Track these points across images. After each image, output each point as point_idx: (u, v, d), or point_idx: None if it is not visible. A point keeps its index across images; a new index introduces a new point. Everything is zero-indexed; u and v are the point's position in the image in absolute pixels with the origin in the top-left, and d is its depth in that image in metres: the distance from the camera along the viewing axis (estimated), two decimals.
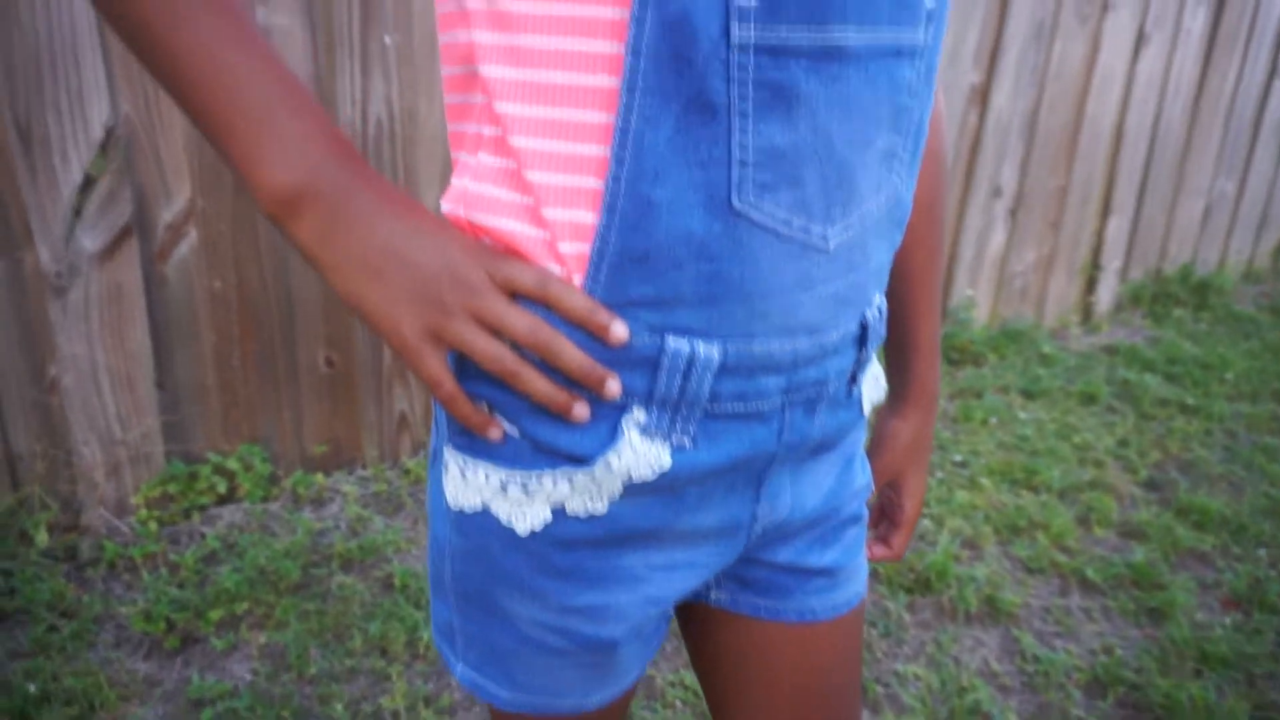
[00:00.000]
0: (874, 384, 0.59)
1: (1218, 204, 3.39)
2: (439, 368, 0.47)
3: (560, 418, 0.48)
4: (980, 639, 1.61)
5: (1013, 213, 2.72)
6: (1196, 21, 2.92)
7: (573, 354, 0.46)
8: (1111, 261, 3.07)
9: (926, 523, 1.90)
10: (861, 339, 0.54)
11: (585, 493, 0.49)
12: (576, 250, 0.46)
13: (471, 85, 0.47)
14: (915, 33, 0.47)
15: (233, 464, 1.74)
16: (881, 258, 0.53)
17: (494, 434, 0.49)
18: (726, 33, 0.41)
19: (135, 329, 1.59)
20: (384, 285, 0.45)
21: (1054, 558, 1.81)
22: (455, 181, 0.49)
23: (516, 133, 0.45)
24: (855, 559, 0.61)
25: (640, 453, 0.48)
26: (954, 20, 2.35)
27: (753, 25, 0.42)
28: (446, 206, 0.49)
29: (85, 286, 1.53)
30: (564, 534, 0.50)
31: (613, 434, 0.48)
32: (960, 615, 1.65)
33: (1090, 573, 1.77)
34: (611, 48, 0.43)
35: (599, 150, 0.44)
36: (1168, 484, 2.12)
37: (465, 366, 0.49)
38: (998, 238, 2.72)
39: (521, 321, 0.46)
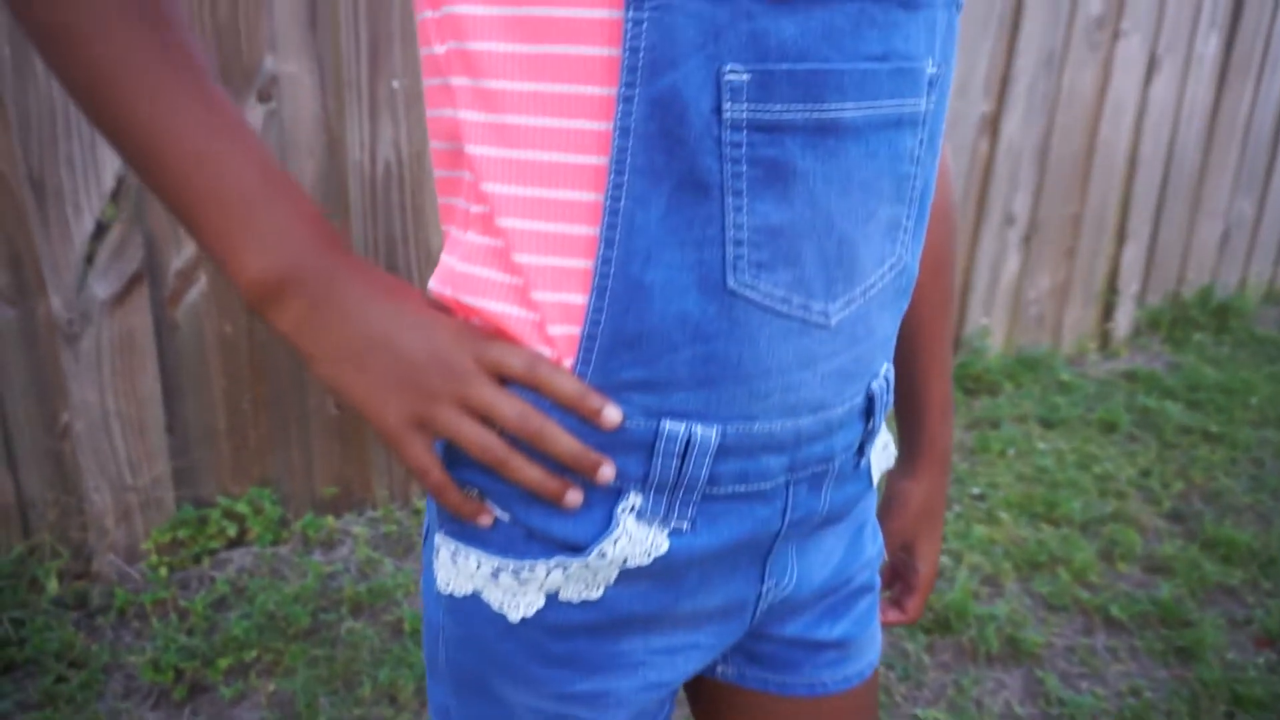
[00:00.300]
0: (882, 452, 0.57)
1: (1236, 226, 3.36)
2: (426, 457, 0.46)
3: (553, 504, 0.46)
4: (1002, 680, 1.57)
5: (1026, 240, 2.70)
6: (1209, 46, 2.90)
7: (564, 441, 0.44)
8: (1129, 286, 3.03)
9: (945, 559, 1.86)
10: (868, 410, 0.52)
11: (579, 580, 0.47)
12: (566, 333, 0.44)
13: (459, 162, 0.46)
14: (917, 101, 0.46)
15: (243, 507, 1.74)
16: (887, 328, 0.51)
17: (485, 521, 0.47)
18: (718, 110, 0.40)
19: (146, 375, 1.59)
20: (368, 373, 0.44)
21: (1077, 594, 1.77)
22: (444, 259, 0.48)
23: (504, 213, 0.44)
24: (868, 629, 0.59)
25: (636, 539, 0.47)
26: (963, 50, 2.35)
27: (745, 102, 0.40)
28: (435, 286, 0.48)
29: (97, 334, 1.53)
30: (558, 621, 0.48)
31: (608, 520, 0.47)
32: (981, 656, 1.61)
33: (1115, 610, 1.73)
34: (599, 125, 0.42)
35: (588, 230, 0.43)
36: (1192, 515, 2.07)
37: (454, 452, 0.47)
38: (1011, 265, 2.70)
39: (510, 408, 0.44)
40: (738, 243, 0.42)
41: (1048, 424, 2.47)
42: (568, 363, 0.45)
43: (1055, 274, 2.82)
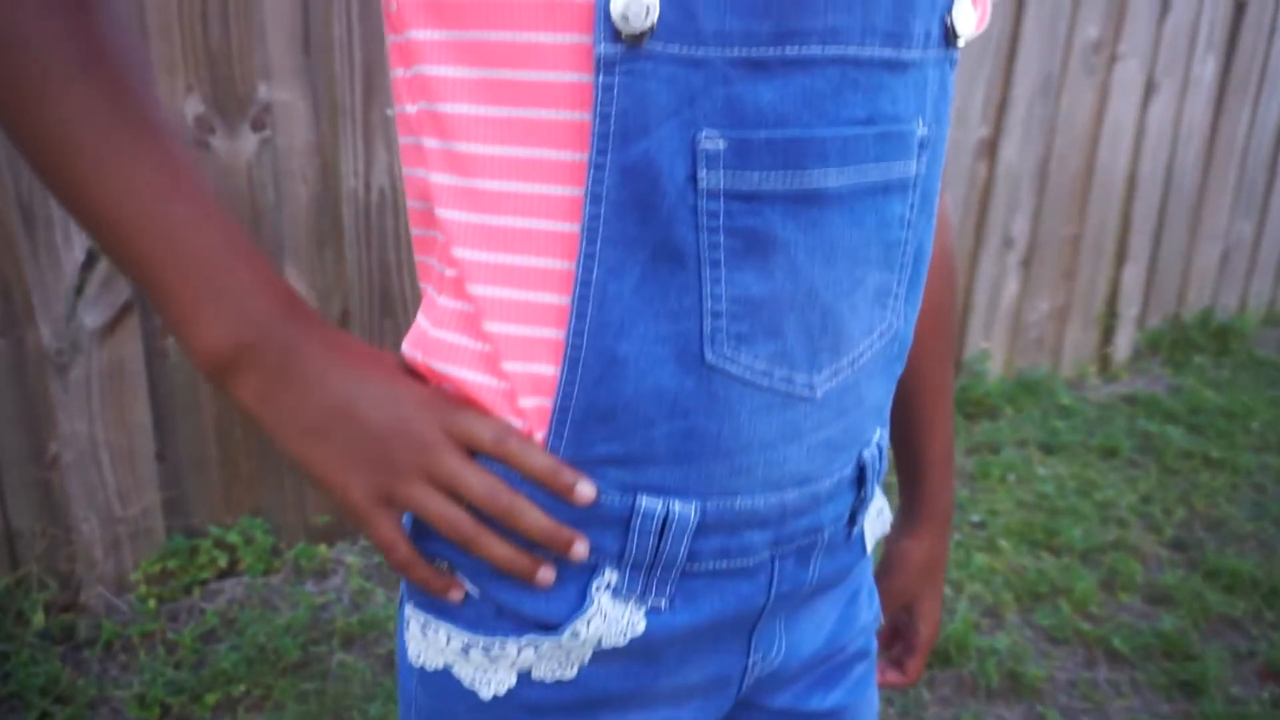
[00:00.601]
0: (877, 519, 0.55)
1: (1236, 247, 3.35)
2: (392, 533, 0.44)
3: (524, 582, 0.44)
4: (1003, 716, 1.54)
5: (1025, 263, 2.69)
6: (1206, 69, 2.90)
7: (534, 518, 0.42)
8: (1129, 309, 3.02)
9: (945, 589, 1.84)
10: (860, 479, 0.50)
11: (552, 659, 0.45)
12: (538, 405, 0.42)
13: (431, 223, 0.44)
14: (907, 165, 0.44)
15: (234, 537, 1.72)
16: (879, 396, 0.49)
17: (455, 596, 0.46)
18: (694, 178, 0.39)
19: (136, 404, 1.58)
20: (331, 446, 0.42)
21: (1078, 626, 1.75)
22: (418, 321, 0.46)
23: (473, 279, 0.42)
24: (864, 695, 0.57)
25: (612, 618, 0.45)
26: (961, 77, 2.34)
27: (722, 170, 0.39)
28: (407, 350, 0.46)
29: (86, 364, 1.52)
30: (531, 699, 0.46)
31: (581, 598, 0.45)
32: (982, 691, 1.59)
33: (1117, 642, 1.70)
34: (571, 191, 0.40)
35: (559, 299, 0.41)
36: (1194, 544, 2.05)
37: (423, 523, 0.46)
38: (1011, 288, 2.69)
39: (478, 483, 0.42)
40: (715, 314, 0.41)
41: (1048, 449, 2.45)
42: (539, 435, 0.43)
43: (1054, 297, 2.81)
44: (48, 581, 1.57)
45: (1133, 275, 2.98)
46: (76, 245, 1.47)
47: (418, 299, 1.79)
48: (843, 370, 0.45)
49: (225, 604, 1.67)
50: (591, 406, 0.41)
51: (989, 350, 2.70)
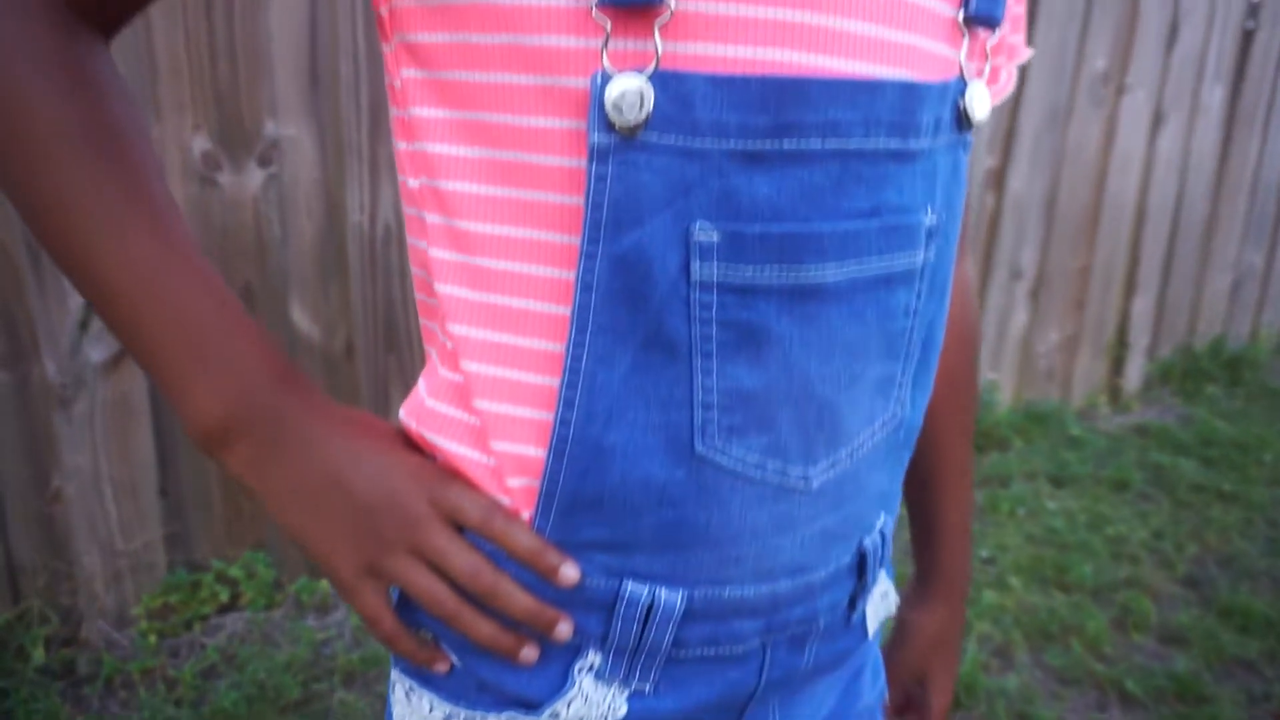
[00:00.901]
0: (881, 601, 0.53)
1: (1246, 277, 3.33)
2: (377, 605, 0.43)
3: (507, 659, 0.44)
4: None
5: (1034, 294, 2.68)
6: (1214, 99, 2.90)
7: (518, 599, 0.42)
8: (1139, 339, 3.00)
9: None
10: (861, 566, 0.49)
11: None
12: (524, 485, 0.42)
13: (431, 309, 0.44)
14: (913, 256, 0.43)
15: (236, 571, 1.71)
16: (882, 484, 0.48)
17: (440, 668, 0.45)
18: (686, 269, 0.38)
19: (140, 438, 1.58)
20: (320, 517, 0.42)
21: (1090, 666, 1.72)
22: (418, 388, 0.46)
23: (466, 355, 0.42)
24: None
25: (593, 700, 0.44)
26: None
27: (716, 262, 0.38)
28: (403, 417, 0.46)
29: (91, 398, 1.52)
30: None
31: (563, 678, 0.44)
32: None
33: (1130, 684, 1.67)
34: (565, 275, 0.39)
35: (549, 381, 0.40)
36: (1207, 581, 2.02)
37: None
38: (1019, 319, 2.67)
39: (462, 561, 0.42)
40: (707, 406, 0.40)
41: (1058, 482, 2.43)
42: (526, 515, 0.42)
43: (1064, 327, 2.79)
44: (49, 615, 1.56)
45: (1143, 305, 2.97)
46: None
47: (421, 331, 1.79)
48: (840, 462, 0.44)
49: (226, 639, 1.66)
50: (577, 494, 0.41)
51: (998, 381, 2.68)
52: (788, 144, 0.37)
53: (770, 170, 0.38)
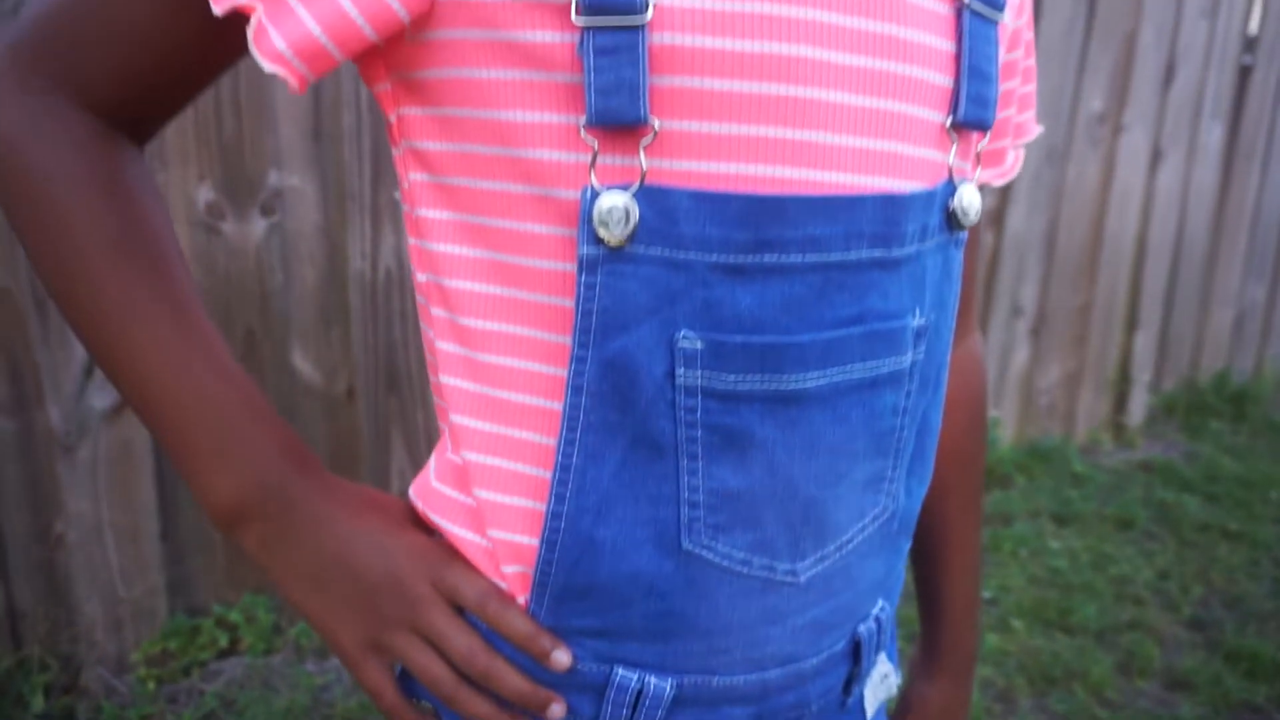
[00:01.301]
0: (881, 684, 0.53)
1: (1249, 311, 3.32)
2: (380, 679, 0.45)
3: None
4: None
5: (1035, 331, 2.68)
6: (1213, 136, 2.92)
7: (511, 680, 0.43)
8: (1141, 374, 2.99)
9: None
10: (856, 652, 0.49)
11: None
12: (519, 571, 0.44)
13: (439, 389, 0.46)
14: (899, 360, 0.44)
15: (235, 616, 1.71)
16: (876, 574, 0.48)
17: None
18: (672, 375, 0.39)
19: (142, 485, 1.59)
20: (327, 595, 0.44)
21: (1094, 713, 1.70)
22: (428, 466, 0.48)
23: (466, 445, 0.44)
24: None
25: None
26: None
27: (699, 370, 0.39)
28: (412, 495, 0.48)
29: (94, 445, 1.53)
30: None
31: None
32: None
33: None
34: (558, 372, 0.41)
35: (543, 473, 0.42)
36: (1213, 623, 2.00)
37: None
38: (1021, 356, 2.67)
39: (460, 643, 0.43)
40: (693, 504, 0.41)
41: (1061, 520, 2.42)
42: (521, 599, 0.44)
43: (1066, 363, 2.79)
44: (49, 662, 1.56)
45: (1145, 340, 2.97)
46: None
47: (422, 374, 1.80)
48: (829, 556, 0.45)
49: (225, 685, 1.65)
50: (568, 584, 0.42)
51: (1000, 418, 2.68)
52: (768, 258, 0.39)
53: (752, 283, 0.39)
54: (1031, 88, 0.55)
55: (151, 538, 1.61)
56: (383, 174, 1.65)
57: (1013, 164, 0.55)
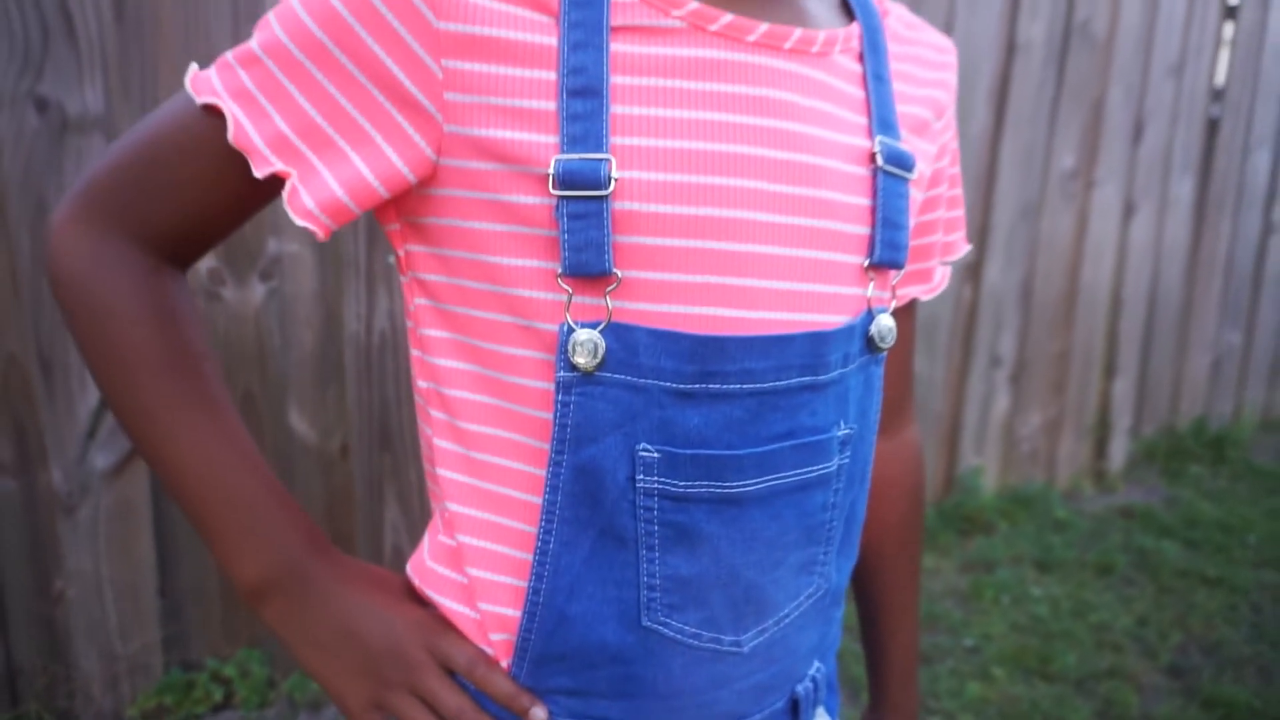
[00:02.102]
0: None
1: (1226, 356, 3.40)
2: None
3: None
4: None
5: (1014, 379, 2.75)
6: (1183, 189, 3.01)
7: None
8: (1121, 420, 3.06)
9: None
10: (795, 709, 0.56)
11: None
12: (504, 639, 0.51)
13: (435, 478, 0.53)
14: (827, 465, 0.51)
15: (230, 670, 1.74)
16: (812, 642, 0.55)
17: None
18: (633, 479, 0.46)
19: (141, 542, 1.63)
20: (335, 660, 0.51)
21: None
22: (422, 546, 0.55)
23: (460, 529, 0.51)
24: None
25: None
26: None
27: (656, 476, 0.46)
28: (409, 572, 0.55)
29: (95, 504, 1.58)
30: None
31: None
32: None
33: None
34: (539, 472, 0.48)
35: (525, 556, 0.49)
36: (1191, 670, 2.04)
37: None
38: (1001, 404, 2.74)
39: (451, 702, 0.50)
40: (651, 588, 0.48)
41: (1042, 566, 2.46)
42: (505, 663, 0.51)
43: (1046, 410, 2.85)
44: (46, 719, 1.59)
45: (1123, 387, 3.03)
46: (91, 391, 1.55)
47: (414, 432, 1.85)
48: (769, 629, 0.52)
49: None
50: (546, 650, 0.49)
51: (982, 466, 2.73)
52: (712, 386, 0.46)
53: (699, 405, 0.46)
54: (959, 213, 0.62)
55: (149, 594, 1.65)
56: (376, 241, 1.72)
57: (940, 280, 0.62)
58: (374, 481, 1.82)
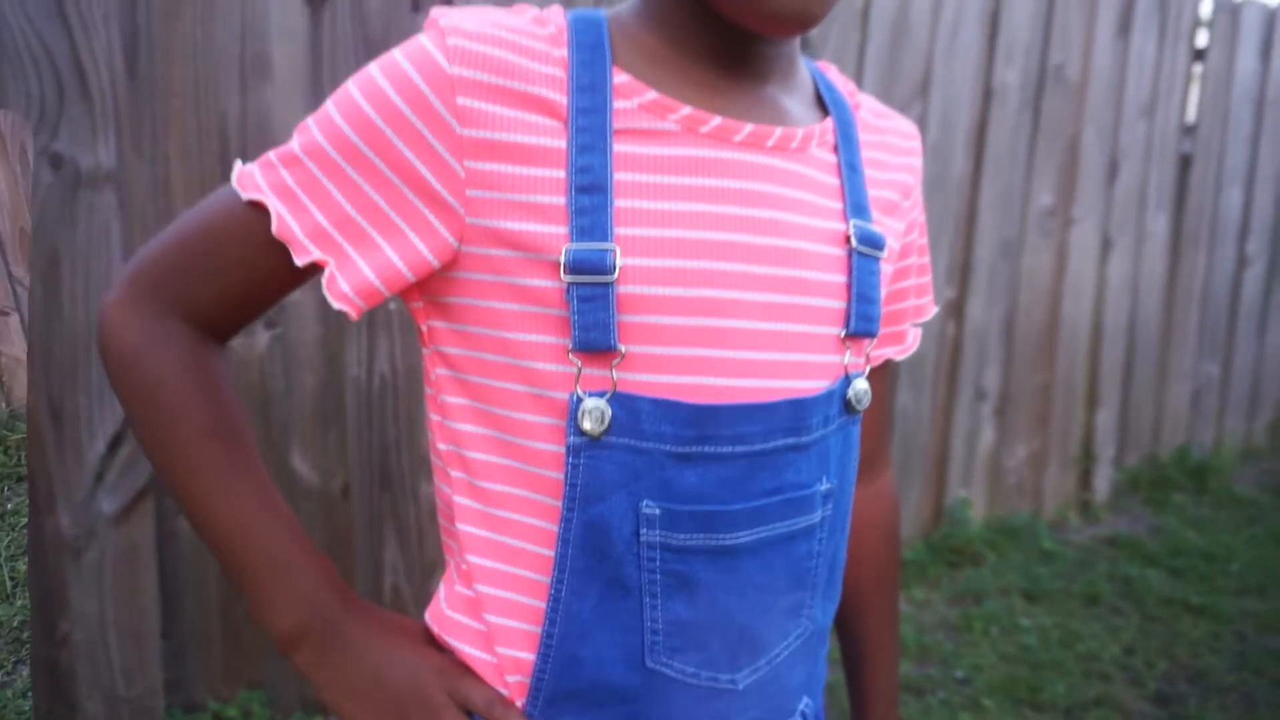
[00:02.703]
0: None
1: (1206, 387, 3.48)
2: None
3: None
4: None
5: (999, 412, 2.81)
6: (1159, 224, 3.10)
7: None
8: (1104, 451, 3.12)
9: None
10: None
11: None
12: (519, 680, 0.55)
13: (453, 533, 0.58)
14: (811, 517, 0.56)
15: (232, 711, 1.76)
16: (801, 678, 0.60)
17: None
18: (637, 534, 0.52)
19: (146, 585, 1.66)
20: (364, 703, 0.55)
21: None
22: (439, 595, 0.59)
23: (479, 579, 0.55)
24: None
25: None
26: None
27: (658, 530, 0.52)
28: (428, 620, 0.59)
29: (101, 548, 1.61)
30: None
31: None
32: None
33: None
34: (551, 527, 0.53)
35: (539, 604, 0.54)
36: (1177, 698, 2.08)
37: None
38: (987, 437, 2.79)
39: None
40: (654, 632, 0.53)
41: (1030, 597, 2.50)
42: (520, 702, 0.55)
43: (1031, 442, 2.91)
44: None
45: (1106, 418, 3.10)
46: (99, 439, 1.58)
47: (414, 472, 1.90)
48: (761, 668, 0.57)
49: None
50: (557, 690, 0.54)
51: (969, 499, 2.78)
52: (707, 449, 0.52)
53: (696, 466, 0.52)
54: (927, 279, 0.68)
55: (152, 637, 1.68)
56: None
57: (912, 340, 0.68)
58: (374, 522, 1.86)
